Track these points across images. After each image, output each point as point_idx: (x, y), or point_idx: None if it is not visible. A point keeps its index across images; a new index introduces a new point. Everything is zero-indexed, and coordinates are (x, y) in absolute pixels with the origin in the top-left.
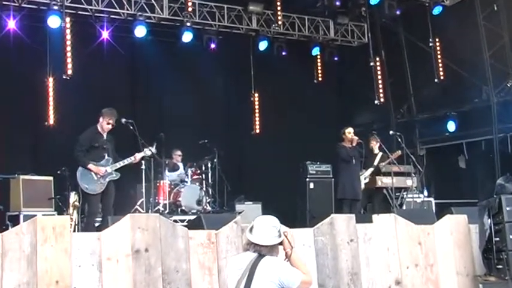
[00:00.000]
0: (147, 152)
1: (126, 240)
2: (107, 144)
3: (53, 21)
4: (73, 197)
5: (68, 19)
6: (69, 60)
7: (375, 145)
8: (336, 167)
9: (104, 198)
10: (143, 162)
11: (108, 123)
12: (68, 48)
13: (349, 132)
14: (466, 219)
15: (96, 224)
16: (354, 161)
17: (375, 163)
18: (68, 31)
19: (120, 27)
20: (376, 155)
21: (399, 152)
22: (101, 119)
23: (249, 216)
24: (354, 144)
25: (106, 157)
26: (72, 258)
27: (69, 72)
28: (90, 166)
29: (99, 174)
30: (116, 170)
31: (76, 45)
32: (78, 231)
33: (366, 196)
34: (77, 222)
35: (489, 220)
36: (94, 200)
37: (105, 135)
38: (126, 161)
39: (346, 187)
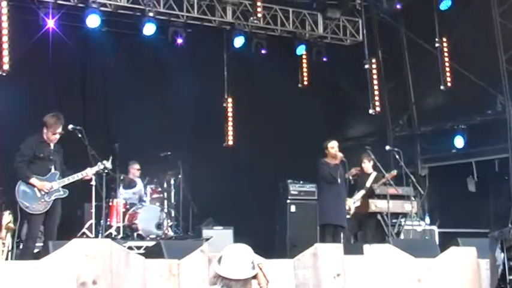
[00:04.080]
0: (102, 166)
1: (70, 270)
2: (54, 155)
3: None
4: (7, 218)
5: (4, 3)
6: (5, 52)
7: (368, 163)
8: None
9: (47, 219)
10: (93, 177)
11: (55, 133)
12: (5, 39)
13: (332, 147)
14: (475, 253)
15: (36, 251)
16: (339, 180)
17: (367, 184)
18: (4, 18)
19: (69, 16)
20: (370, 174)
21: (395, 172)
22: (45, 130)
23: (218, 243)
24: (338, 162)
25: (52, 170)
26: None
27: (6, 67)
28: (33, 181)
29: (43, 190)
30: (63, 187)
31: (15, 35)
32: (12, 258)
33: (357, 222)
34: (10, 248)
35: (502, 254)
36: (35, 222)
37: (52, 145)
38: (76, 177)
39: (327, 211)
